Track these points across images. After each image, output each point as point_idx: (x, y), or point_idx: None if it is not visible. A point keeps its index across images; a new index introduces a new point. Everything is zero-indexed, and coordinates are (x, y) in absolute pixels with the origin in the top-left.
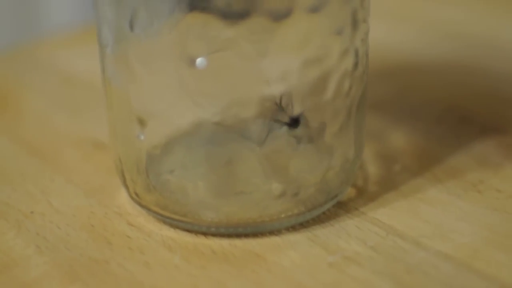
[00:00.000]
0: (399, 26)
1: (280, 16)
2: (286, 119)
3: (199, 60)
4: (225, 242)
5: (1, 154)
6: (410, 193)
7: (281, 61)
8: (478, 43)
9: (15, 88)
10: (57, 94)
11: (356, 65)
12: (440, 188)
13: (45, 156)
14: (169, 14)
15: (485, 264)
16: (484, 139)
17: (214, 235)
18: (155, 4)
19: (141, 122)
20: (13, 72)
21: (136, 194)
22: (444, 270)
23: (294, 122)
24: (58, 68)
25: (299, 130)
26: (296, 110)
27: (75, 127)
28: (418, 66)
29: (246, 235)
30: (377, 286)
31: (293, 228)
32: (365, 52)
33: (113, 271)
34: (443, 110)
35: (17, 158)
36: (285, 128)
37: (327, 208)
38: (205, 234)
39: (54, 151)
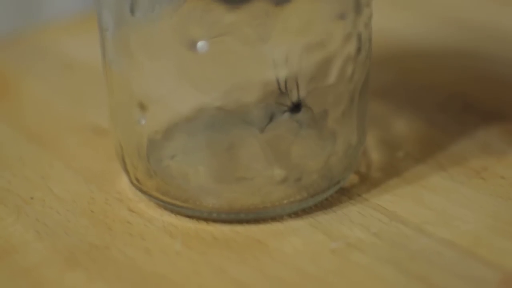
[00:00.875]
0: (401, 12)
1: (282, 0)
2: (288, 103)
3: (200, 44)
4: (226, 228)
5: (1, 140)
6: (413, 179)
7: (283, 45)
8: (481, 29)
9: (15, 74)
10: (58, 80)
11: (359, 50)
12: (443, 175)
13: (45, 142)
14: None
15: (488, 251)
16: (487, 126)
17: (215, 221)
18: None
19: (142, 107)
20: (14, 58)
21: (137, 180)
22: (447, 257)
23: (296, 107)
24: (58, 54)
25: (301, 115)
26: (298, 95)
27: (75, 113)
28: (420, 53)
29: (247, 221)
30: (380, 272)
31: (296, 214)
32: (368, 37)
33: (113, 257)
34: (446, 97)
35: (16, 144)
36: (287, 113)
37: (330, 194)
38: (206, 220)
39: (54, 137)
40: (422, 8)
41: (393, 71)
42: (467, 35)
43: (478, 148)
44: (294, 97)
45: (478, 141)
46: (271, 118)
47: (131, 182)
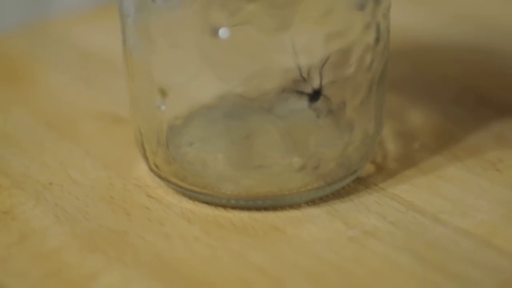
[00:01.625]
0: (418, 8)
1: None
2: (308, 91)
3: (221, 31)
4: (244, 215)
5: (20, 127)
6: (429, 170)
7: (302, 34)
8: (495, 25)
9: (32, 64)
10: (75, 70)
11: (377, 40)
12: (459, 166)
13: (63, 129)
14: None
15: (504, 240)
16: (502, 119)
17: (233, 207)
18: None
19: (162, 93)
20: (29, 48)
21: (156, 166)
22: (464, 246)
23: (315, 95)
24: (75, 44)
25: (319, 104)
26: (317, 83)
27: (92, 102)
28: (436, 47)
29: (265, 208)
30: (396, 260)
31: (313, 202)
32: (387, 27)
33: (132, 242)
34: (461, 89)
35: (35, 131)
36: (306, 101)
37: (347, 183)
38: (224, 206)
39: (72, 124)
40: (438, 3)
41: (409, 64)
42: (482, 31)
43: (493, 140)
44: (315, 85)
45: (493, 134)
46: (289, 107)
47: (150, 168)
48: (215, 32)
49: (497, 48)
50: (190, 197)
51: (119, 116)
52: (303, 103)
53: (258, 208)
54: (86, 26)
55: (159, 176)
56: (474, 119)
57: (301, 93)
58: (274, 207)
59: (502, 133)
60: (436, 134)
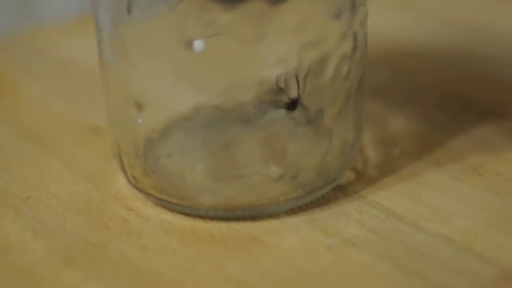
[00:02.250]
0: (398, 12)
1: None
2: (284, 101)
3: (196, 43)
4: (223, 226)
5: None
6: (410, 176)
7: (279, 44)
8: (477, 28)
9: (13, 75)
10: (55, 81)
11: (354, 48)
12: (440, 171)
13: (42, 141)
14: None
15: (485, 247)
16: (484, 124)
17: (212, 218)
18: None
19: (139, 106)
20: (11, 59)
21: (134, 178)
22: (444, 253)
23: (292, 104)
24: (55, 55)
25: (297, 113)
26: (294, 93)
27: (72, 113)
28: (417, 52)
29: (244, 219)
30: (376, 269)
31: (292, 211)
32: (364, 36)
33: (110, 255)
34: (443, 95)
35: (14, 144)
36: (283, 111)
37: (326, 191)
38: (203, 217)
39: (51, 136)
40: (419, 8)
41: (390, 69)
42: (464, 35)
43: (475, 145)
44: (292, 94)
45: (475, 138)
46: (267, 117)
47: (128, 180)
48: (190, 44)
49: (479, 54)
50: (169, 209)
51: (99, 128)
52: (281, 113)
53: (237, 219)
54: (67, 37)
55: (137, 188)
56: (456, 125)
57: (278, 103)
58: (253, 217)
59: (484, 137)
60: (417, 140)
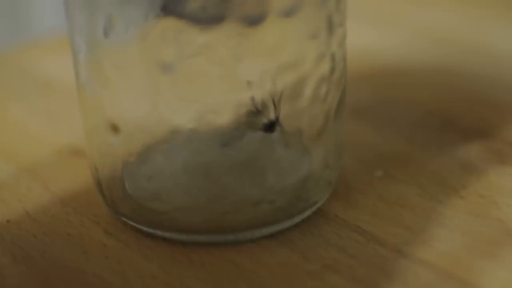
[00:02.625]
0: (383, 31)
1: (254, 20)
2: (262, 122)
3: (173, 65)
4: (202, 251)
5: None
6: (392, 199)
7: (256, 66)
8: (461, 48)
9: None
10: (36, 100)
11: (333, 69)
12: (421, 194)
13: (23, 163)
14: (143, 20)
15: (467, 272)
16: (467, 144)
17: (191, 243)
18: (130, 10)
19: (115, 129)
20: None
21: (113, 202)
22: (425, 279)
23: (270, 126)
24: (38, 74)
25: (275, 135)
26: (271, 115)
27: (53, 134)
28: (400, 70)
29: (224, 244)
30: None
31: (272, 235)
32: (343, 57)
33: (89, 281)
34: (425, 114)
35: None
36: (261, 133)
37: (307, 215)
38: (182, 242)
39: (32, 158)
40: (400, 25)
41: (372, 88)
42: (448, 54)
43: (457, 166)
44: (269, 116)
45: (457, 159)
46: (245, 139)
47: (107, 204)
48: (167, 66)
49: (461, 72)
50: (148, 234)
51: (80, 150)
52: (259, 135)
53: (216, 244)
54: (51, 55)
55: (116, 213)
56: (439, 144)
57: (255, 125)
58: (233, 242)
59: (466, 158)
60: (399, 161)
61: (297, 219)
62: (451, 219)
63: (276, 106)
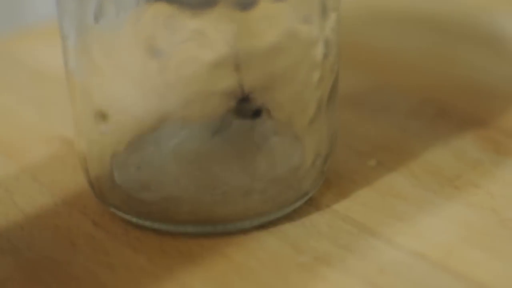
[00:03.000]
0: (374, 17)
1: (246, 5)
2: (251, 109)
3: (163, 51)
4: (192, 242)
5: None
6: (384, 189)
7: (248, 51)
8: (456, 34)
9: None
10: (26, 90)
11: (326, 55)
12: (415, 183)
13: (12, 153)
14: (134, 5)
15: (460, 263)
16: (462, 133)
17: (180, 234)
18: None
19: (104, 117)
20: None
21: (101, 192)
22: (418, 270)
23: (256, 113)
24: (29, 63)
25: (267, 124)
26: (262, 102)
27: (43, 124)
28: (394, 58)
29: (213, 235)
30: (348, 287)
31: (262, 226)
32: (336, 42)
33: (76, 273)
34: (420, 103)
35: None
36: (249, 121)
37: (298, 205)
38: (171, 233)
39: (21, 148)
40: (396, 14)
41: (365, 76)
42: (441, 40)
43: (452, 156)
44: (257, 103)
45: (452, 148)
46: (234, 127)
47: (96, 195)
48: (157, 52)
49: (457, 59)
50: (137, 225)
51: (70, 139)
52: (248, 123)
53: (206, 235)
54: (39, 44)
55: (105, 203)
56: (433, 134)
57: (243, 111)
58: (223, 233)
59: (461, 147)
60: (392, 150)
61: (288, 209)
62: (445, 209)
63: (258, 96)
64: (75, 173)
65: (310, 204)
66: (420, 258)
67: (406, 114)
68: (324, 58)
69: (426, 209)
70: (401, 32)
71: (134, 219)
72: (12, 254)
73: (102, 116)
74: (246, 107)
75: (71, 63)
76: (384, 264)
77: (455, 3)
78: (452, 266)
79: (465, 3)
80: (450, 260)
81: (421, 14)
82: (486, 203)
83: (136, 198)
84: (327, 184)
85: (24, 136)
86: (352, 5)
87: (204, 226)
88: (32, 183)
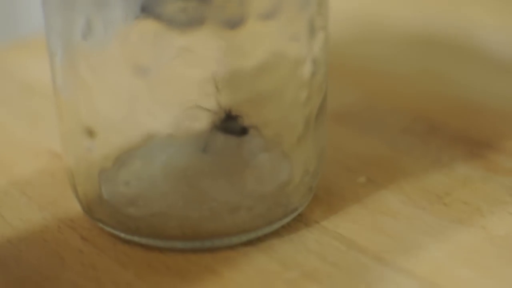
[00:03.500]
0: (365, 34)
1: (234, 24)
2: (236, 128)
3: (151, 68)
4: (180, 257)
5: None
6: (374, 205)
7: (235, 69)
8: (446, 53)
9: None
10: (15, 103)
11: (314, 73)
12: (404, 200)
13: (0, 166)
14: (122, 22)
15: (449, 280)
16: (452, 150)
17: (168, 249)
18: (109, 12)
19: (91, 134)
20: None
21: (89, 208)
22: (406, 287)
23: (243, 131)
24: (18, 76)
25: (254, 142)
26: (249, 119)
27: (32, 137)
28: (385, 76)
29: (201, 250)
30: None
31: (250, 242)
32: (325, 61)
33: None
34: (411, 120)
35: None
36: (237, 138)
37: (286, 222)
38: (159, 249)
39: (10, 161)
40: (386, 29)
41: (357, 94)
42: (432, 58)
43: (442, 173)
44: (245, 121)
45: (442, 165)
46: (223, 145)
47: (84, 210)
48: (145, 70)
49: (448, 77)
50: (125, 240)
51: (58, 153)
52: (235, 140)
53: (194, 250)
54: (29, 57)
55: (93, 218)
56: (423, 151)
57: (230, 129)
58: (210, 248)
59: (451, 164)
60: (382, 167)
61: (276, 225)
62: (434, 227)
63: (252, 110)
64: (64, 187)
65: (299, 220)
66: (409, 275)
67: (397, 131)
68: (312, 77)
69: (415, 225)
70: (392, 50)
71: (122, 234)
72: (0, 269)
73: (89, 132)
74: (232, 125)
75: (58, 79)
76: (372, 281)
77: (445, 22)
78: (441, 284)
79: (456, 22)
80: (438, 277)
81: (412, 33)
82: (475, 220)
83: (123, 214)
84: (316, 201)
85: (13, 150)
86: (344, 24)
87: (192, 242)
88: (21, 197)
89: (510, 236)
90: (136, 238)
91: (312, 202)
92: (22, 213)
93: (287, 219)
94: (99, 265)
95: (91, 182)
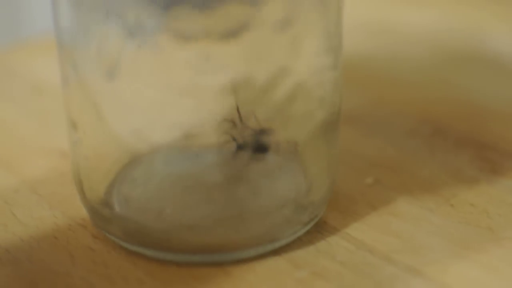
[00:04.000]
0: (374, 37)
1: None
2: (251, 141)
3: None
4: None
5: None
6: (382, 207)
7: (252, 80)
8: (453, 55)
9: None
10: (24, 102)
11: (329, 78)
12: (412, 201)
13: (11, 166)
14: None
15: (456, 280)
16: (459, 152)
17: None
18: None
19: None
20: None
21: (96, 219)
22: (414, 286)
23: (263, 148)
24: (28, 76)
25: (271, 157)
26: (262, 131)
27: (42, 136)
28: (392, 78)
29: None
30: None
31: None
32: (340, 62)
33: (75, 284)
34: (417, 122)
35: None
36: (249, 150)
37: (307, 229)
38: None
39: (21, 160)
40: (394, 33)
41: (364, 97)
42: (439, 60)
43: (448, 175)
44: (258, 133)
45: (448, 167)
46: (233, 155)
47: (92, 221)
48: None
49: (454, 80)
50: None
51: (68, 153)
52: (247, 152)
53: (203, 264)
54: (41, 57)
55: (100, 228)
56: (430, 153)
57: (243, 144)
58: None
59: (458, 167)
60: (390, 169)
61: (294, 236)
62: (441, 227)
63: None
64: (74, 186)
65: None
66: (416, 274)
67: (404, 133)
68: (328, 87)
69: (422, 226)
70: (399, 52)
71: (129, 246)
72: (11, 265)
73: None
74: (258, 142)
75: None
76: (381, 280)
77: (452, 25)
78: (448, 283)
79: (463, 24)
80: (445, 276)
81: (419, 35)
82: (482, 221)
83: (133, 229)
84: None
85: (23, 149)
86: (351, 25)
87: (201, 255)
88: (31, 195)
89: None
90: (146, 251)
91: None
92: (33, 211)
93: (307, 227)
94: (110, 262)
95: (97, 196)
